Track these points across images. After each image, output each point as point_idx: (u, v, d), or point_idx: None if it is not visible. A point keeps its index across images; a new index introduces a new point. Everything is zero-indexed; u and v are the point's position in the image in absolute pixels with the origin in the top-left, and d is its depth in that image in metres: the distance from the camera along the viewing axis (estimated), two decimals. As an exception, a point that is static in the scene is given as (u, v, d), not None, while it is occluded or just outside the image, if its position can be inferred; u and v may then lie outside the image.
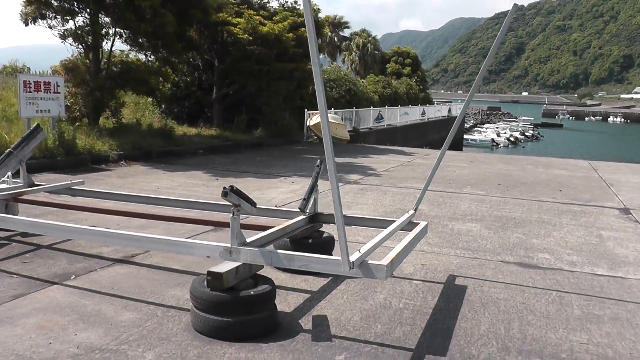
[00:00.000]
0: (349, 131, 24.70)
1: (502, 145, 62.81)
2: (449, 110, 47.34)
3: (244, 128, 19.37)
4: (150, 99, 21.53)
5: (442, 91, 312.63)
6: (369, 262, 3.46)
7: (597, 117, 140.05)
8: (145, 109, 21.24)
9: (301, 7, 19.01)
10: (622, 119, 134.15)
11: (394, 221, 4.84)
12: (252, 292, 3.56)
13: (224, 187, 3.54)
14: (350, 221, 5.19)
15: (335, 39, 49.50)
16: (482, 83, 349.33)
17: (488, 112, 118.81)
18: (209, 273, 3.51)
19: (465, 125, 67.61)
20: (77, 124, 13.55)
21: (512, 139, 67.03)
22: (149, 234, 4.45)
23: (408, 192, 9.97)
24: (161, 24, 13.82)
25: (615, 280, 5.20)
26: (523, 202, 9.38)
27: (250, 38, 16.44)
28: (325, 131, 2.97)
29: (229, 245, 3.70)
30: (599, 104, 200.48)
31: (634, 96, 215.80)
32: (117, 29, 15.16)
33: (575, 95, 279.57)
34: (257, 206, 4.00)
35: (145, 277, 4.76)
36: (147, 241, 4.24)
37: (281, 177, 11.26)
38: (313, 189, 5.04)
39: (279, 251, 3.84)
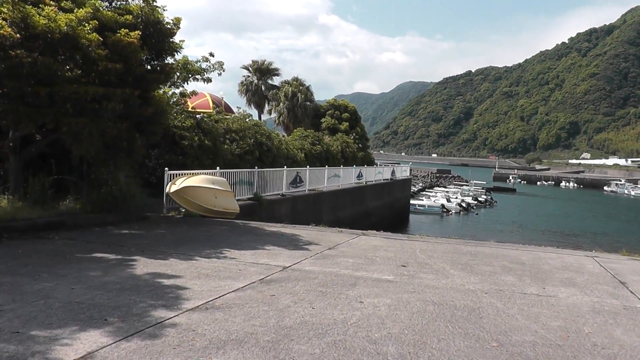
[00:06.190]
0: (248, 199, 17.90)
1: (453, 211, 56.59)
2: (393, 173, 40.70)
3: (53, 195, 12.03)
4: None
5: (393, 153, 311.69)
6: None
7: (550, 182, 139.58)
8: None
9: (135, 2, 12.07)
10: (575, 184, 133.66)
11: None
12: None
13: None
14: None
15: (263, 88, 42.60)
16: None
17: (437, 174, 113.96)
18: None
19: (413, 188, 61.21)
20: None
21: (464, 204, 60.64)
22: None
23: None
24: None
25: None
26: None
27: (18, 36, 9.16)
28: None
29: None
30: (548, 169, 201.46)
31: (582, 161, 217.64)
32: None
33: (524, 159, 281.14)
34: None
35: None
36: None
37: None
38: None
39: None
